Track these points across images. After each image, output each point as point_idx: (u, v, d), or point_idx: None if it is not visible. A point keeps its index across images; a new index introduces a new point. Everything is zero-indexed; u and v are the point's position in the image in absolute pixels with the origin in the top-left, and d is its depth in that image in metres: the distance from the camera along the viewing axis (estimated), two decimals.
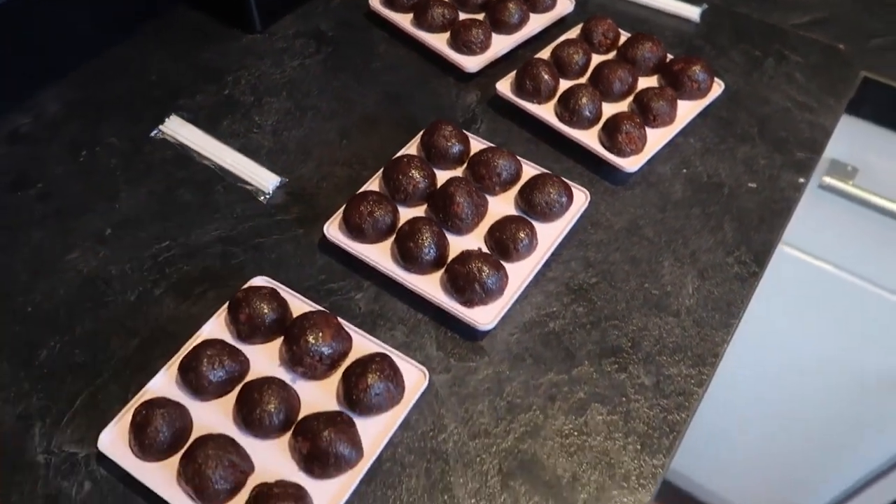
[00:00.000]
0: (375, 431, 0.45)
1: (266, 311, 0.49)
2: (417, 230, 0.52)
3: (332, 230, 0.55)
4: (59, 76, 0.69)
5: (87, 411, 0.47)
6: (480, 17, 0.72)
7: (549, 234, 0.55)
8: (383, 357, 0.47)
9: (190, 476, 0.41)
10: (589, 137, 0.62)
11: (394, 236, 0.54)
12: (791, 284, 0.92)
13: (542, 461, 0.46)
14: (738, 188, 0.61)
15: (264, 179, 0.60)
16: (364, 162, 0.63)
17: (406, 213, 0.55)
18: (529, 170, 0.59)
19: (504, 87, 0.66)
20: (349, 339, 0.49)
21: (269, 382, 0.45)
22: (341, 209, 0.55)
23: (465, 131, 0.61)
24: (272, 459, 0.44)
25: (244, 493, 0.42)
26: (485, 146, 0.59)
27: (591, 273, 0.56)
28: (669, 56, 0.68)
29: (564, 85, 0.65)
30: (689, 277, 0.55)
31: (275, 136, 0.65)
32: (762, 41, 0.74)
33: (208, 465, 0.41)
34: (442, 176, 0.58)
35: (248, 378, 0.47)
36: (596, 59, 0.68)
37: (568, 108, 0.62)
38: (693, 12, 0.75)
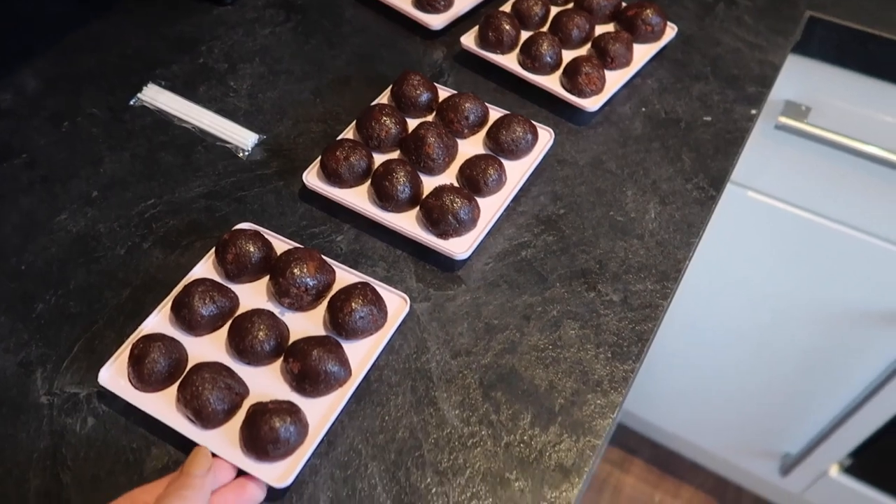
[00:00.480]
0: (362, 353, 0.48)
1: (252, 249, 0.51)
2: (392, 170, 0.55)
3: (311, 178, 0.58)
4: (36, 54, 0.71)
5: (86, 355, 0.50)
6: None
7: (518, 170, 0.58)
8: (365, 285, 0.49)
9: (188, 399, 0.44)
10: (551, 82, 0.65)
11: (370, 179, 0.57)
12: (753, 227, 0.96)
13: (520, 373, 0.49)
14: (694, 122, 0.65)
15: (243, 138, 0.63)
16: (338, 117, 0.65)
17: (380, 159, 0.58)
18: (495, 113, 0.62)
19: (468, 40, 0.69)
20: (332, 272, 0.51)
21: (258, 313, 0.48)
22: (318, 159, 0.58)
23: (433, 83, 0.64)
24: (265, 383, 0.47)
25: (240, 415, 0.45)
26: (453, 92, 0.62)
27: (560, 205, 0.59)
28: (624, 4, 0.71)
29: (525, 36, 0.68)
30: (651, 204, 0.59)
31: (250, 98, 0.67)
32: None
33: (205, 388, 0.44)
34: (413, 124, 0.61)
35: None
36: (554, 10, 0.71)
37: (530, 56, 0.65)
38: None
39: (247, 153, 0.62)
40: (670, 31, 0.69)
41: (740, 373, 1.17)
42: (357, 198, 0.57)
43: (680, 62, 0.70)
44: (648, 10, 0.67)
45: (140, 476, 0.44)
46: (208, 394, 0.44)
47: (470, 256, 0.54)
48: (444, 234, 0.54)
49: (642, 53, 0.68)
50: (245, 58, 0.71)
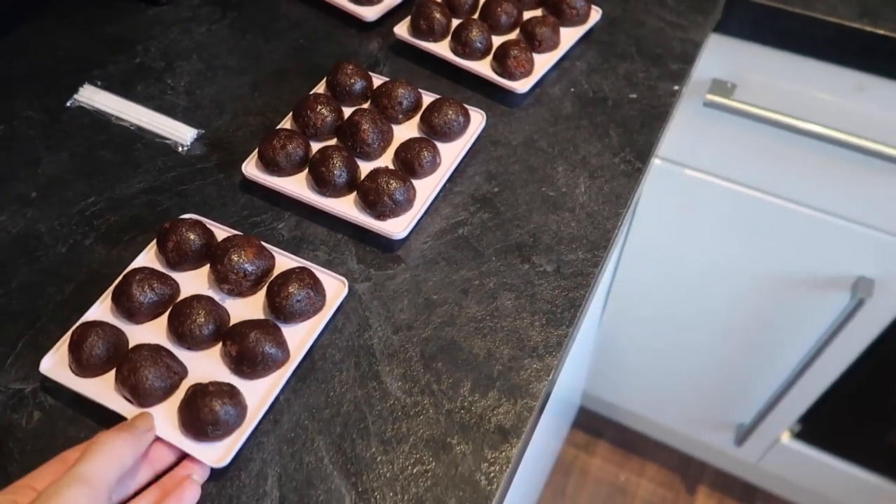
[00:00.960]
0: (300, 335, 0.49)
1: (192, 237, 0.52)
2: (329, 156, 0.56)
3: (250, 168, 0.59)
4: None
5: (30, 351, 0.50)
6: None
7: (452, 152, 0.60)
8: (303, 269, 0.51)
9: (125, 376, 0.44)
10: (482, 67, 0.67)
11: (307, 167, 0.58)
12: (692, 204, 0.99)
13: (459, 344, 0.51)
14: (620, 100, 0.67)
15: (182, 133, 0.63)
16: (277, 110, 0.66)
17: (317, 146, 0.59)
18: (428, 98, 0.64)
19: (401, 30, 0.70)
20: (272, 257, 0.53)
21: (198, 298, 0.49)
22: (257, 150, 0.59)
23: (368, 72, 0.66)
24: (205, 367, 0.48)
25: (178, 396, 0.45)
26: (386, 80, 0.64)
27: (494, 184, 0.61)
28: None
29: (456, 23, 0.70)
30: (581, 178, 0.61)
31: (188, 95, 0.68)
32: None
33: (143, 364, 0.44)
34: (348, 112, 0.62)
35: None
36: None
37: (461, 42, 0.67)
38: None
39: (186, 148, 0.63)
40: (595, 14, 0.72)
41: (692, 349, 1.21)
42: (296, 185, 0.58)
43: (606, 43, 0.73)
44: None
45: None
46: (146, 370, 0.44)
47: (408, 236, 0.56)
48: (381, 216, 0.55)
49: (569, 36, 0.70)
50: (182, 55, 0.72)
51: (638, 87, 0.68)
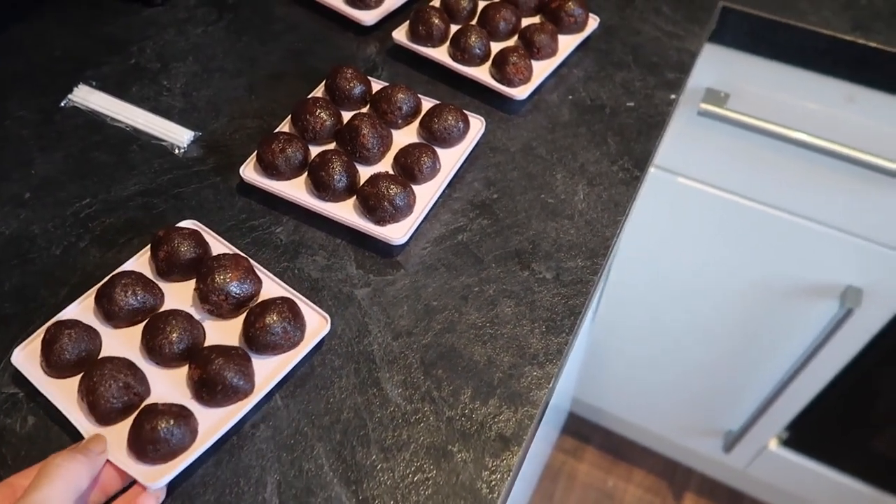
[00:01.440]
0: (270, 368, 0.47)
1: (184, 249, 0.51)
2: (328, 160, 0.56)
3: (248, 172, 0.58)
4: None
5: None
6: None
7: (451, 158, 0.60)
8: (285, 300, 0.49)
9: (85, 392, 0.44)
10: (481, 73, 0.67)
11: (306, 171, 0.58)
12: (684, 212, 1.00)
13: (459, 351, 0.51)
14: (618, 108, 0.68)
15: (178, 135, 0.63)
16: (274, 113, 0.66)
17: (316, 151, 0.59)
18: (427, 103, 0.64)
19: (400, 35, 0.70)
20: (259, 282, 0.51)
21: (175, 314, 0.48)
22: (255, 153, 0.59)
23: (367, 76, 0.65)
24: (168, 387, 0.46)
25: (135, 414, 0.44)
26: (385, 84, 0.64)
27: (493, 190, 0.61)
28: None
29: (455, 29, 0.70)
30: (580, 186, 0.61)
31: (185, 97, 0.67)
32: None
33: (102, 384, 0.43)
34: (347, 116, 0.62)
35: None
36: (482, 4, 0.73)
37: (459, 48, 0.67)
38: None
39: (183, 150, 0.62)
40: (593, 22, 0.72)
41: (681, 355, 1.22)
42: (294, 189, 0.58)
43: (603, 51, 0.73)
44: (571, 2, 0.70)
45: None
46: (104, 390, 0.43)
47: (408, 242, 0.56)
48: (381, 221, 0.55)
49: (567, 44, 0.70)
50: (178, 57, 0.71)
51: (635, 96, 0.69)
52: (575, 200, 0.60)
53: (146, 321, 0.48)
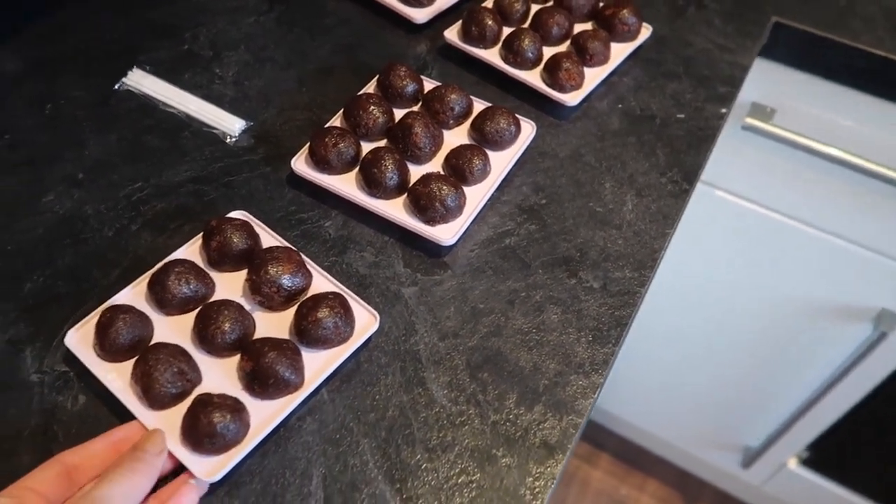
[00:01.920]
0: (319, 363, 0.48)
1: (236, 240, 0.51)
2: (381, 158, 0.56)
3: (299, 165, 0.59)
4: (15, 36, 0.70)
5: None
6: None
7: (501, 161, 0.60)
8: (337, 296, 0.49)
9: (139, 376, 0.44)
10: (532, 77, 0.67)
11: (358, 166, 0.58)
12: (718, 224, 0.99)
13: (505, 355, 0.51)
14: (668, 119, 0.67)
15: (230, 123, 0.63)
16: (323, 106, 0.66)
17: (367, 147, 0.59)
18: (479, 105, 0.64)
19: (452, 34, 0.70)
20: (309, 276, 0.51)
21: (228, 304, 0.48)
22: (306, 146, 0.59)
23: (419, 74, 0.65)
24: (219, 376, 0.47)
25: (188, 402, 0.44)
26: (438, 84, 0.64)
27: (541, 195, 0.61)
28: (601, 4, 0.74)
29: (507, 31, 0.70)
30: (629, 196, 0.61)
31: (236, 85, 0.68)
32: None
33: (157, 368, 0.44)
34: (399, 114, 0.62)
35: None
36: (535, 7, 0.73)
37: (512, 51, 0.67)
38: None
39: (234, 139, 0.63)
40: (645, 31, 0.72)
41: (704, 368, 1.21)
42: (345, 184, 0.58)
43: (654, 61, 0.73)
44: (625, 10, 0.70)
45: None
46: (159, 375, 0.44)
47: (456, 243, 0.56)
48: (431, 221, 0.55)
49: (619, 52, 0.70)
50: (230, 45, 0.71)
51: (685, 108, 0.68)
52: (623, 210, 0.60)
53: (198, 310, 0.48)
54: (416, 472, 0.45)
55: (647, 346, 1.26)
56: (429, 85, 0.65)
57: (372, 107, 0.60)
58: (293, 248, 0.52)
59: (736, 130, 0.87)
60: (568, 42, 0.70)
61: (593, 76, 0.67)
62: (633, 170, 0.63)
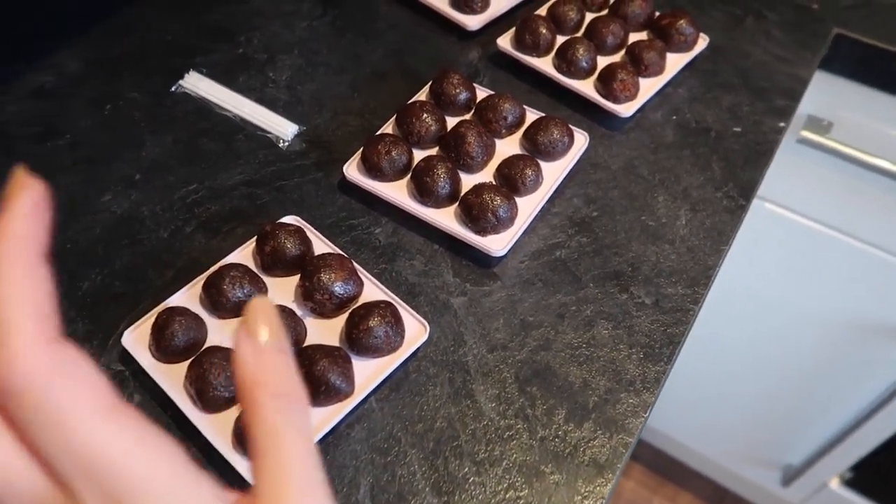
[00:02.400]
0: (369, 372, 0.48)
1: (289, 245, 0.52)
2: (433, 166, 0.56)
3: (351, 171, 0.59)
4: (76, 37, 0.71)
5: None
6: None
7: (553, 172, 0.59)
8: (388, 305, 0.49)
9: (194, 379, 0.45)
10: (586, 87, 0.66)
11: (409, 174, 0.58)
12: (767, 237, 0.97)
13: (555, 370, 0.50)
14: (724, 132, 0.66)
15: (283, 127, 0.64)
16: (375, 112, 0.66)
17: (419, 155, 0.59)
18: (531, 115, 0.63)
19: (504, 42, 0.70)
20: (361, 284, 0.51)
21: (280, 310, 0.48)
22: (358, 152, 0.59)
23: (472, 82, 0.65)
24: None
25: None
26: (491, 93, 0.63)
27: (593, 208, 0.60)
28: (657, 13, 0.73)
29: (561, 40, 0.69)
30: (682, 210, 0.60)
31: (289, 89, 0.68)
32: (742, 0, 0.79)
33: (212, 372, 0.44)
34: (451, 122, 0.62)
35: None
36: (589, 16, 0.72)
37: (566, 60, 0.66)
38: None
39: (286, 143, 0.63)
40: (702, 42, 0.71)
41: (747, 382, 1.19)
42: (396, 192, 0.58)
43: (710, 72, 0.71)
44: (683, 21, 0.68)
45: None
46: (213, 378, 0.44)
47: (506, 254, 0.55)
48: (482, 231, 0.55)
49: (674, 62, 0.69)
50: (284, 49, 0.72)
51: (742, 121, 0.67)
52: (677, 225, 0.59)
53: None
54: (464, 486, 0.45)
55: (688, 356, 1.23)
56: (481, 93, 0.65)
57: (425, 115, 0.60)
58: (345, 255, 0.52)
59: (789, 143, 0.85)
60: (623, 52, 0.69)
61: (648, 87, 0.66)
62: (687, 183, 0.62)
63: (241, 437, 0.43)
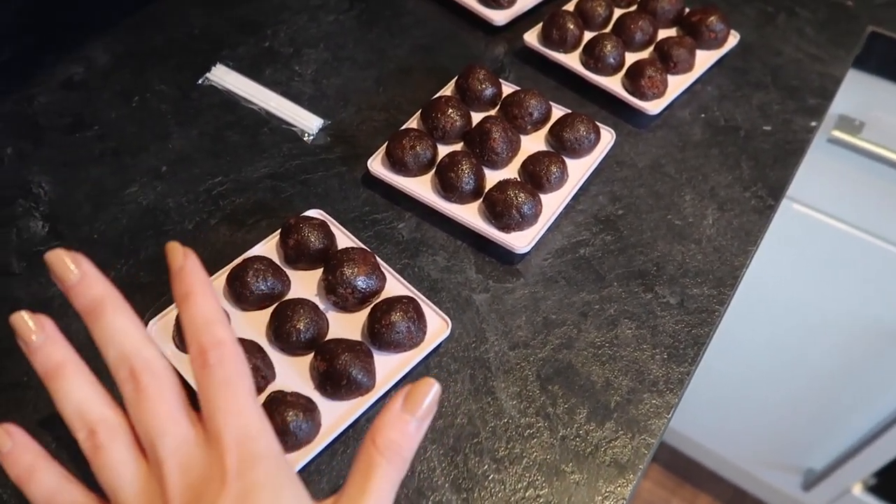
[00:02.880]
0: (391, 366, 0.48)
1: (313, 239, 0.52)
2: (458, 162, 0.55)
3: (376, 165, 0.59)
4: (105, 29, 0.72)
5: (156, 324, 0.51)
6: None
7: (579, 169, 0.59)
8: (410, 300, 0.49)
9: None
10: (613, 83, 0.66)
11: (434, 169, 0.58)
12: (794, 239, 0.96)
13: (577, 368, 0.50)
14: (753, 131, 0.65)
15: (308, 121, 0.64)
16: (400, 107, 0.66)
17: (444, 150, 0.59)
18: (557, 111, 0.62)
19: (531, 37, 0.69)
20: (383, 278, 0.51)
21: (303, 303, 0.48)
22: (383, 147, 0.59)
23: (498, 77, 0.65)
24: (292, 374, 0.47)
25: (261, 398, 0.45)
26: (517, 88, 0.63)
27: (618, 206, 0.59)
28: (686, 9, 0.72)
29: (588, 36, 0.68)
30: (710, 210, 0.59)
31: (315, 83, 0.68)
32: None
33: None
34: (476, 117, 0.62)
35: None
36: (618, 12, 0.72)
37: (593, 56, 0.66)
38: None
39: (311, 137, 0.63)
40: (732, 39, 0.70)
41: (769, 384, 1.17)
42: (420, 187, 0.58)
43: (740, 70, 0.70)
44: (713, 17, 0.67)
45: None
46: None
47: (530, 251, 0.55)
48: (506, 228, 0.54)
49: (704, 59, 0.68)
50: (310, 43, 0.72)
51: (772, 120, 0.66)
52: (703, 225, 0.58)
53: (274, 307, 0.49)
54: (483, 483, 0.45)
55: (710, 356, 1.22)
56: (507, 89, 0.64)
57: (450, 110, 0.60)
58: (368, 249, 0.52)
59: (819, 143, 0.83)
60: (651, 48, 0.69)
61: (677, 84, 0.66)
62: (714, 182, 0.61)
63: None
